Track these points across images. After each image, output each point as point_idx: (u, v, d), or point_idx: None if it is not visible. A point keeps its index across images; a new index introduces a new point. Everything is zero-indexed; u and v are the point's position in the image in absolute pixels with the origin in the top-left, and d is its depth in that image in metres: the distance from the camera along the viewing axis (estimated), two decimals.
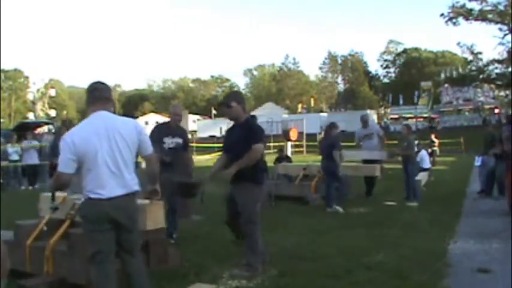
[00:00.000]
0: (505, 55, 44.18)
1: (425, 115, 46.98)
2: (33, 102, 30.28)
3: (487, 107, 44.23)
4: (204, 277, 4.37)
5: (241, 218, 4.44)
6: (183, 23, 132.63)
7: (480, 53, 56.39)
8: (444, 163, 20.22)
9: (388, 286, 4.13)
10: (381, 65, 79.11)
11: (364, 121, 10.33)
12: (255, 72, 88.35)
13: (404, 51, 75.62)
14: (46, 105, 31.03)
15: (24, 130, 15.77)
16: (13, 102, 74.65)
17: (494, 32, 55.36)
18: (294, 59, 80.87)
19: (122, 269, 3.42)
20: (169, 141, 5.71)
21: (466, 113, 45.17)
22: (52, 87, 43.76)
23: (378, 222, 7.16)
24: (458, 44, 62.11)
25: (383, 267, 4.64)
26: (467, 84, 47.16)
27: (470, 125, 38.73)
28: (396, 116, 48.35)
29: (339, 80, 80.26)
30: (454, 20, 42.82)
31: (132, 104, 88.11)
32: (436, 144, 21.43)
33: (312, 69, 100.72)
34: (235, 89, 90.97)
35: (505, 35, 41.71)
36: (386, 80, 77.90)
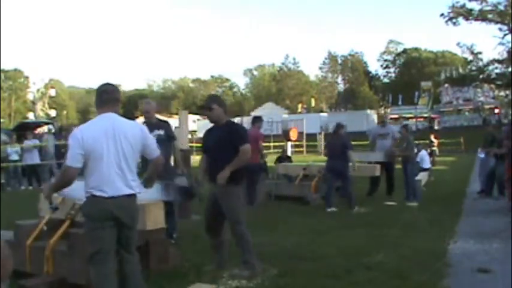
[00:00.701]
0: (505, 55, 44.18)
1: (425, 115, 46.97)
2: (33, 102, 30.27)
3: (487, 107, 44.24)
4: (204, 277, 4.37)
5: (229, 220, 4.46)
6: (183, 23, 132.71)
7: (480, 53, 56.38)
8: (444, 163, 20.23)
9: (388, 286, 4.13)
10: (381, 65, 79.15)
11: (383, 121, 10.42)
12: (255, 72, 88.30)
13: (404, 51, 75.59)
14: (46, 105, 31.03)
15: (24, 130, 15.77)
16: (13, 102, 74.65)
17: (494, 32, 55.38)
18: (294, 59, 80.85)
19: (118, 269, 3.44)
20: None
21: (466, 113, 45.18)
22: (52, 87, 43.78)
23: (378, 222, 7.16)
24: (458, 44, 62.13)
25: (383, 267, 4.65)
26: (467, 84, 47.16)
27: (470, 125, 38.75)
28: (396, 116, 48.29)
29: (339, 80, 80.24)
30: (454, 20, 42.79)
31: (132, 104, 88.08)
32: (436, 144, 21.46)
33: (312, 69, 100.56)
34: (235, 89, 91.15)
35: (505, 35, 41.71)
36: (386, 80, 77.86)
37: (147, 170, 3.59)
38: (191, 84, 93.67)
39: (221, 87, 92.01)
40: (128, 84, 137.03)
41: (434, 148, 20.47)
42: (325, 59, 78.97)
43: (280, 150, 15.98)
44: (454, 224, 6.98)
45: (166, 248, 4.58)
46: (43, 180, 13.32)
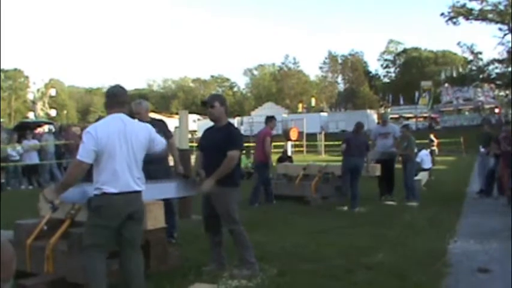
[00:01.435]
0: (505, 55, 44.18)
1: (425, 115, 46.95)
2: (34, 102, 30.25)
3: (487, 106, 44.21)
4: (204, 277, 4.37)
5: (224, 221, 4.48)
6: (183, 22, 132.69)
7: (480, 52, 56.40)
8: (444, 163, 20.23)
9: (388, 286, 4.14)
10: (381, 65, 79.15)
11: (384, 120, 10.40)
12: (255, 72, 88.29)
13: (405, 51, 75.58)
14: (46, 105, 31.03)
15: (24, 130, 15.75)
16: (13, 101, 74.66)
17: (494, 31, 55.33)
18: (294, 58, 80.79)
19: (120, 267, 3.45)
20: None
21: (466, 113, 45.14)
22: (52, 87, 43.73)
23: (378, 222, 7.17)
24: (458, 43, 62.10)
25: (383, 267, 4.65)
26: (468, 84, 47.14)
27: (470, 124, 38.67)
28: (396, 116, 48.27)
29: (339, 79, 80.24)
30: (454, 20, 42.80)
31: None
32: (435, 143, 21.42)
33: (312, 69, 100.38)
34: (235, 88, 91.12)
35: (505, 34, 41.71)
36: (386, 80, 77.85)
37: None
38: (191, 84, 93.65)
39: (221, 87, 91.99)
40: (128, 83, 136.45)
41: (434, 148, 20.43)
42: (326, 58, 78.99)
43: (280, 150, 16.00)
44: (453, 223, 6.98)
45: (165, 248, 4.58)
46: (43, 180, 13.32)
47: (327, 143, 30.95)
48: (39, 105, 30.50)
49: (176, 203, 5.74)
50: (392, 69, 78.04)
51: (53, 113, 32.81)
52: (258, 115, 53.11)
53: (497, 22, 41.44)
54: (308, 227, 6.67)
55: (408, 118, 46.76)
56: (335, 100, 76.14)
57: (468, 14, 41.76)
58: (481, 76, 48.59)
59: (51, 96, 36.10)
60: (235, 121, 50.96)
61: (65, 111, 68.08)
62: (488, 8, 41.11)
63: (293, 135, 16.98)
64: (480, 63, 55.28)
